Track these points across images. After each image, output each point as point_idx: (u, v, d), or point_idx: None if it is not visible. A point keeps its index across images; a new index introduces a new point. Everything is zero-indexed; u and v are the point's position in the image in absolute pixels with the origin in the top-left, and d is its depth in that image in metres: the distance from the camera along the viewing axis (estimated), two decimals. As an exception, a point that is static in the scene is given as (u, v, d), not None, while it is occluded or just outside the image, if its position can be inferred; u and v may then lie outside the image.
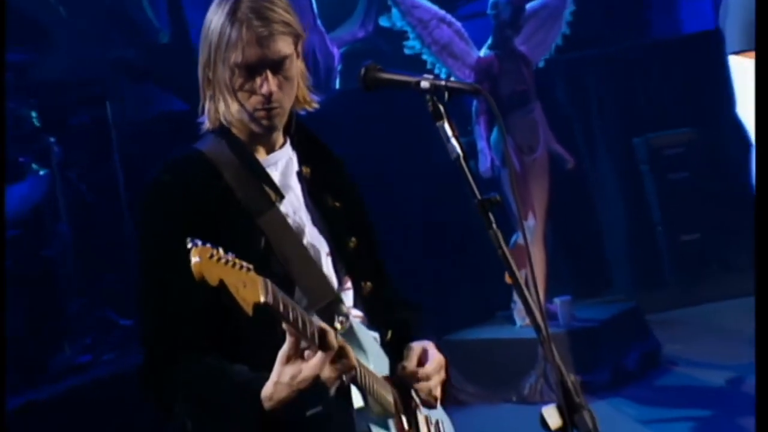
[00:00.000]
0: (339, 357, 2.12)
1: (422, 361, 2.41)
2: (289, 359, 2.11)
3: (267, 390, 2.14)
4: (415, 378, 2.39)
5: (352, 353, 2.16)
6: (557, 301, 6.19)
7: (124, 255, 5.87)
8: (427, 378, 2.40)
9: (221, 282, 1.96)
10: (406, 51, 6.20)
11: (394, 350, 2.45)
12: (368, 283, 2.45)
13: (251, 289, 1.99)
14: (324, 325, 2.14)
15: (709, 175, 7.46)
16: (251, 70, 2.28)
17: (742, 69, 4.10)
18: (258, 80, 2.28)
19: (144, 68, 6.63)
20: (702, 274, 7.54)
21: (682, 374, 6.10)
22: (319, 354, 2.10)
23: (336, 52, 7.25)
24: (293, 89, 2.36)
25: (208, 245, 1.96)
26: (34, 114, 5.50)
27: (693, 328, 6.88)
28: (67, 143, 5.65)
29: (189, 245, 1.96)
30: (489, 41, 6.26)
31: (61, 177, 5.50)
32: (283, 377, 2.12)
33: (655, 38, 8.83)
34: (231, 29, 2.26)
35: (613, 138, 7.85)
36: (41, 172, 5.37)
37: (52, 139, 5.47)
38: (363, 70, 2.29)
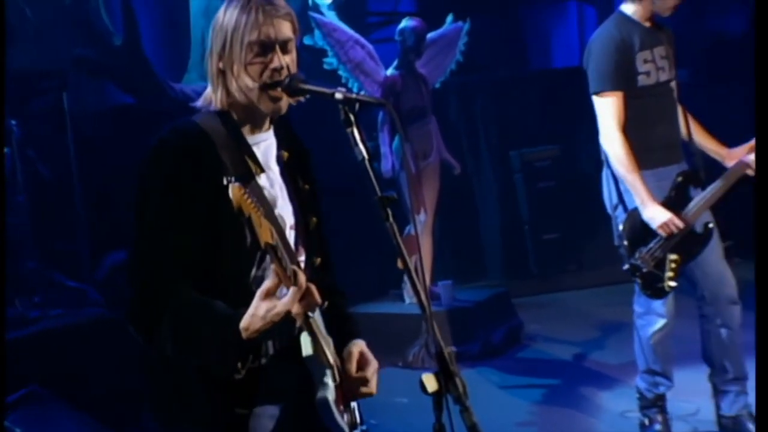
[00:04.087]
0: (305, 295, 2.14)
1: (361, 364, 2.42)
2: (267, 295, 2.12)
3: (244, 322, 2.14)
4: (358, 382, 2.40)
5: (316, 291, 2.17)
6: (440, 284, 6.24)
7: (73, 225, 5.75)
8: (366, 383, 2.40)
9: (249, 217, 2.06)
10: (325, 66, 6.19)
11: (327, 317, 2.45)
12: (318, 259, 2.46)
13: (264, 230, 2.08)
14: (296, 267, 2.16)
15: (570, 186, 7.59)
16: (264, 47, 2.28)
17: (601, 106, 4.20)
18: (269, 56, 2.29)
19: (99, 65, 6.50)
20: (559, 267, 7.70)
21: (538, 349, 6.20)
22: (292, 290, 2.11)
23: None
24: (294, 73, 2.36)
25: (240, 185, 2.08)
26: (-3, 100, 5.36)
27: (550, 312, 7.01)
28: (27, 126, 5.53)
29: (225, 182, 2.12)
30: (395, 62, 6.29)
31: (20, 155, 5.37)
32: (259, 311, 2.12)
33: (531, 70, 9.01)
34: (248, 14, 2.27)
35: (494, 150, 7.96)
36: (4, 150, 5.24)
37: (13, 122, 5.34)
38: (287, 80, 2.28)
